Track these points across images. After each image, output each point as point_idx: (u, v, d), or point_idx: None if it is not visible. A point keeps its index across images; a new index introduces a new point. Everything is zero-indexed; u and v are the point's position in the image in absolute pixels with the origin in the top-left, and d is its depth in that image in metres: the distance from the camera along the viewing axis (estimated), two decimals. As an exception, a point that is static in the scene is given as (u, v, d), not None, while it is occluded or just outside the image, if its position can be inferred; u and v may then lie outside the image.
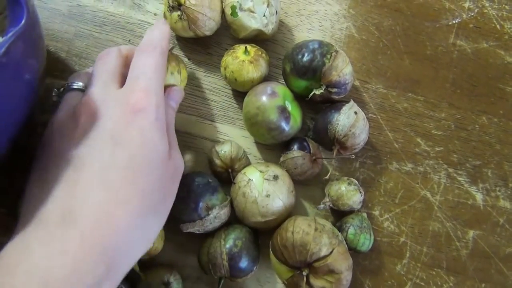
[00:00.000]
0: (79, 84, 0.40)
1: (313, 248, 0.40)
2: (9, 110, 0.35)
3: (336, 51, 0.45)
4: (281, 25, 0.51)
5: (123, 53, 0.41)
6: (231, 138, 0.49)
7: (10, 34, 0.30)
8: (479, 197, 0.49)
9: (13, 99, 0.35)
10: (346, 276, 0.41)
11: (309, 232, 0.41)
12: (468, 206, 0.49)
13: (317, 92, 0.45)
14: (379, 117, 0.50)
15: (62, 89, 0.41)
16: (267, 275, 0.47)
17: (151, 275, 0.43)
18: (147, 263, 0.45)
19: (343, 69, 0.45)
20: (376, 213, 0.49)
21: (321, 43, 0.45)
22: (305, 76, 0.45)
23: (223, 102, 0.50)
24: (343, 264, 0.40)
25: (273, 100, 0.44)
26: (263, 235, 0.46)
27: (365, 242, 0.45)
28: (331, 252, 0.40)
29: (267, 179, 0.43)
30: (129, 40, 0.51)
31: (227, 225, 0.45)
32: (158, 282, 0.43)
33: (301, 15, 0.52)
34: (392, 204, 0.49)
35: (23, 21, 0.30)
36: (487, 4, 0.53)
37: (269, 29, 0.47)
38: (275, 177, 0.44)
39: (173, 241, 0.46)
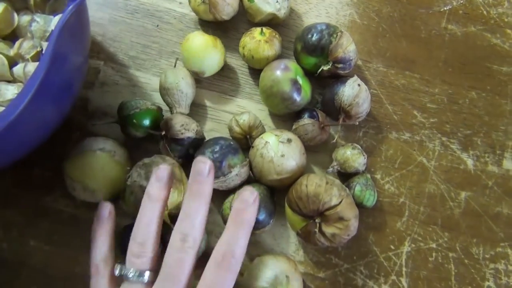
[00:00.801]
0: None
1: (325, 198, 0.45)
2: (76, 69, 0.41)
3: (341, 32, 0.51)
4: (291, 12, 0.58)
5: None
6: (249, 110, 0.55)
7: (72, 4, 0.36)
8: (470, 162, 0.55)
9: (78, 59, 0.41)
10: (354, 223, 0.46)
11: (321, 184, 0.46)
12: (460, 171, 0.55)
13: (325, 68, 0.52)
14: (379, 92, 0.57)
15: None
16: (281, 231, 0.53)
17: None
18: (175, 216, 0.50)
19: (347, 47, 0.51)
20: (378, 176, 0.55)
21: (328, 25, 0.51)
22: (314, 53, 0.51)
23: (240, 79, 0.56)
24: (351, 212, 0.46)
25: (286, 73, 0.50)
26: (277, 195, 0.52)
27: (369, 198, 0.51)
28: (340, 202, 0.46)
29: (282, 142, 0.49)
30: (157, 26, 0.57)
31: (246, 183, 0.51)
32: None
33: (310, 3, 0.59)
34: (392, 168, 0.55)
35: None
36: (474, -7, 0.60)
37: (281, 13, 0.54)
38: (289, 140, 0.50)
39: (198, 200, 0.52)
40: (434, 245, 0.53)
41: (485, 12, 0.59)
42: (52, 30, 0.44)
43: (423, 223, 0.54)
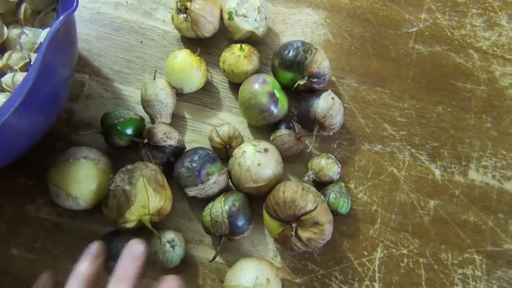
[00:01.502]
0: None
1: (301, 203, 0.48)
2: (63, 81, 0.43)
3: (316, 48, 0.54)
4: (269, 30, 0.61)
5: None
6: (229, 122, 0.58)
7: (63, 16, 0.39)
8: (437, 172, 0.58)
9: (65, 71, 0.43)
10: (328, 228, 0.48)
11: (297, 191, 0.49)
12: (429, 180, 0.58)
13: (301, 82, 0.55)
14: (352, 106, 0.60)
15: None
16: (259, 238, 0.55)
17: (161, 234, 0.50)
18: (158, 224, 0.52)
19: (321, 63, 0.54)
20: (352, 186, 0.57)
21: (303, 42, 0.55)
22: (291, 68, 0.54)
23: (221, 93, 0.59)
24: (325, 217, 0.48)
25: (264, 86, 0.53)
26: (255, 204, 0.54)
27: (344, 205, 0.53)
28: (316, 207, 0.48)
29: (258, 151, 0.52)
30: (141, 42, 0.60)
31: (225, 192, 0.53)
32: (165, 240, 0.50)
33: (286, 23, 0.62)
34: (364, 178, 0.58)
35: (74, 4, 0.39)
36: (439, 16, 0.64)
37: (259, 31, 0.57)
38: (266, 150, 0.52)
39: (178, 209, 0.54)
40: (405, 251, 0.55)
41: (449, 34, 0.64)
42: (41, 42, 0.46)
43: (395, 230, 0.56)
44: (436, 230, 0.56)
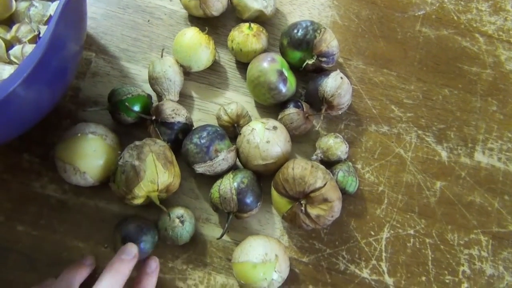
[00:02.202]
0: None
1: (310, 180, 0.48)
2: (71, 56, 0.42)
3: (325, 28, 0.54)
4: (276, 11, 0.61)
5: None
6: (236, 101, 0.57)
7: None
8: (444, 154, 0.59)
9: (74, 46, 0.43)
10: (337, 205, 0.48)
11: (307, 167, 0.49)
12: (435, 162, 0.58)
13: (310, 61, 0.55)
14: (360, 88, 0.60)
15: None
16: (266, 217, 0.54)
17: (170, 211, 0.50)
18: (165, 201, 0.52)
19: (330, 42, 0.54)
20: (359, 166, 0.57)
21: (312, 22, 0.55)
22: (300, 47, 0.54)
23: (228, 72, 0.59)
24: (334, 194, 0.48)
25: (273, 64, 0.53)
26: (262, 182, 0.54)
27: (352, 183, 0.53)
28: (325, 184, 0.48)
29: (267, 129, 0.52)
30: (148, 21, 0.59)
31: (234, 169, 0.52)
32: (174, 216, 0.50)
33: (294, 4, 0.62)
34: (371, 159, 0.58)
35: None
36: (446, 0, 0.64)
37: (268, 10, 0.57)
38: (275, 128, 0.52)
39: (185, 187, 0.54)
40: (411, 232, 0.55)
41: (455, 18, 0.64)
42: (51, 14, 0.46)
43: (401, 211, 0.56)
44: (442, 211, 0.57)
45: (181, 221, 0.49)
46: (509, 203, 0.57)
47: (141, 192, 0.47)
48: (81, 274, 0.47)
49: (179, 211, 0.50)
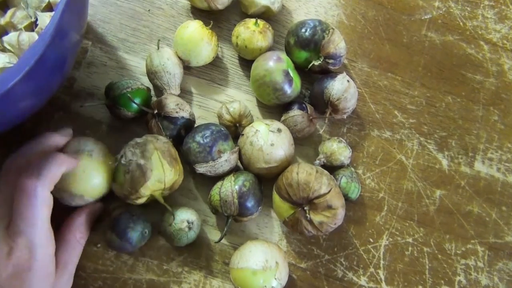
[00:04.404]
0: None
1: (315, 186, 0.46)
2: (72, 46, 0.40)
3: (333, 29, 0.53)
4: (282, 8, 0.59)
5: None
6: (239, 100, 0.55)
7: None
8: (444, 162, 0.58)
9: (75, 36, 0.40)
10: (341, 212, 0.47)
11: (312, 173, 0.47)
12: (436, 170, 0.58)
13: (316, 62, 0.53)
14: (363, 91, 0.59)
15: None
16: (265, 221, 0.53)
17: (175, 210, 0.48)
18: (167, 198, 0.49)
19: (338, 43, 0.53)
20: (360, 171, 0.56)
21: (320, 21, 0.53)
22: (307, 47, 0.53)
23: (230, 69, 0.57)
24: (339, 201, 0.47)
25: (279, 64, 0.51)
26: (263, 185, 0.52)
27: (354, 190, 0.52)
28: (329, 191, 0.47)
29: (272, 131, 0.50)
30: (149, 10, 0.57)
31: (235, 171, 0.51)
32: (184, 218, 0.48)
33: (300, 1, 0.60)
34: (373, 164, 0.57)
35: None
36: (452, 5, 0.63)
37: (275, 6, 0.55)
38: (279, 130, 0.50)
39: (183, 187, 0.52)
40: (410, 240, 0.55)
41: (461, 24, 0.63)
42: (49, 1, 0.43)
43: (401, 218, 0.55)
44: (441, 220, 0.56)
45: (189, 227, 0.47)
46: (506, 214, 0.57)
47: (148, 191, 0.45)
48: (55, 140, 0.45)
49: (191, 216, 0.48)
